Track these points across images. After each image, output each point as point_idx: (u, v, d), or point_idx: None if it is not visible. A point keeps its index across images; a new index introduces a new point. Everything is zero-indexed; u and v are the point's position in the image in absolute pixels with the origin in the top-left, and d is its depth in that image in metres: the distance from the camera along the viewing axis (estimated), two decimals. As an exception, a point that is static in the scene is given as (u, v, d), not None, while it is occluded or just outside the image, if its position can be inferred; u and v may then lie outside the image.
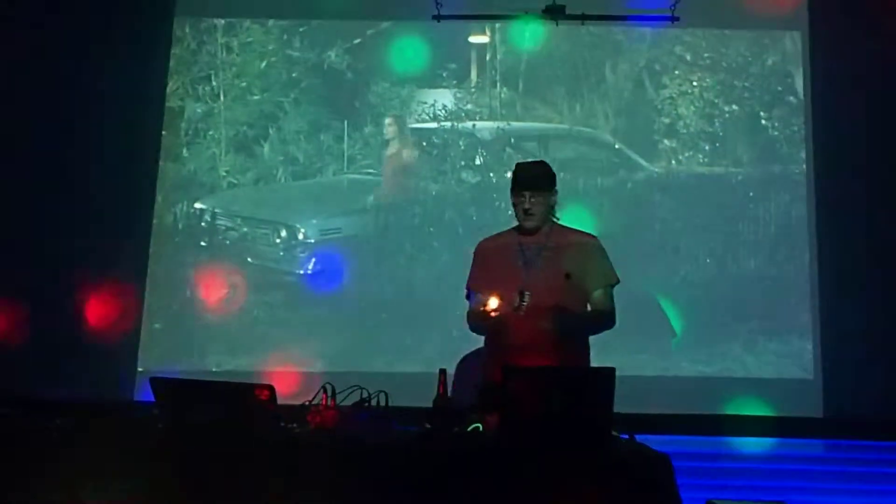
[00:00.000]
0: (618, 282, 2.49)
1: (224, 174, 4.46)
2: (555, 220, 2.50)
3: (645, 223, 4.24)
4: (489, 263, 2.50)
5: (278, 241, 4.36)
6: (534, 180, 2.41)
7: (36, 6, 4.16)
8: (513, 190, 2.44)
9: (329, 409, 1.94)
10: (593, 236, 2.52)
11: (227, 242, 4.41)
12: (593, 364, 2.49)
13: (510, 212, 2.53)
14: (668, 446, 1.92)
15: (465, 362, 2.64)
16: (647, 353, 4.03)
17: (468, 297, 2.57)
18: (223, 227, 4.41)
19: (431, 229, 4.32)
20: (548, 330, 2.35)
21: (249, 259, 4.38)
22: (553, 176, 2.46)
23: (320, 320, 4.27)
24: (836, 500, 3.21)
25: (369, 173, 4.45)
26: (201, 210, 4.44)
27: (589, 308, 2.49)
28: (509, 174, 2.53)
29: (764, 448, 3.38)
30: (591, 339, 2.53)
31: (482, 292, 2.49)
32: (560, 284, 2.39)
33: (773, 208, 4.26)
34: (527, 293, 2.33)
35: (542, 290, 2.34)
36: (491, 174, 4.34)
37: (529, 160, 2.56)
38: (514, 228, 2.52)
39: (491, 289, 2.42)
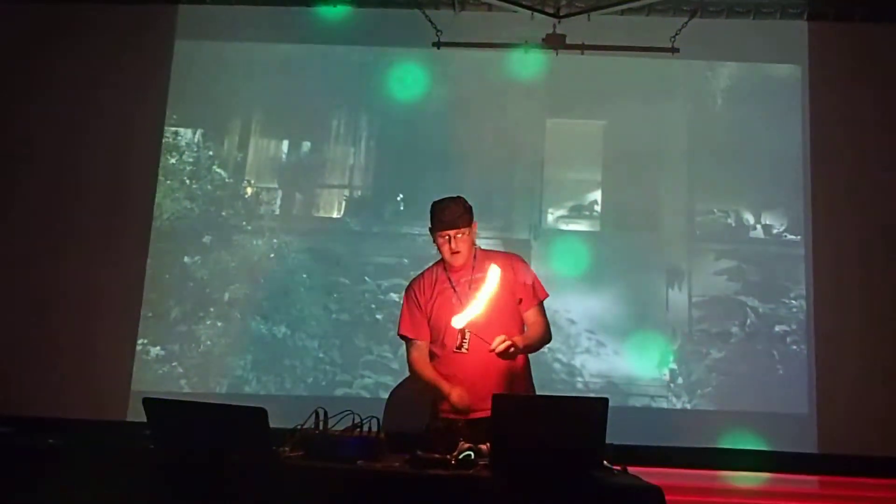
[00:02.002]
0: (546, 296, 2.69)
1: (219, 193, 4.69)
2: (476, 246, 2.69)
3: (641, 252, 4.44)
4: (424, 307, 2.68)
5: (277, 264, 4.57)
6: (456, 220, 2.60)
7: (38, 25, 4.49)
8: (434, 230, 2.63)
9: (321, 434, 2.08)
10: (517, 255, 2.73)
11: (223, 264, 4.59)
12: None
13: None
14: (661, 479, 2.05)
15: (403, 391, 2.80)
16: (641, 384, 4.18)
17: (405, 341, 2.73)
18: (220, 250, 4.60)
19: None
20: (494, 362, 2.54)
21: (246, 281, 4.56)
22: (471, 209, 2.66)
23: (314, 344, 4.44)
24: (829, 536, 3.38)
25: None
26: (198, 232, 4.63)
27: (525, 327, 2.68)
28: None
29: (758, 483, 3.54)
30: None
31: (420, 339, 2.68)
32: (496, 313, 2.57)
33: (770, 245, 4.46)
34: (468, 332, 2.54)
35: (482, 323, 2.52)
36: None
37: (446, 197, 2.67)
38: (438, 263, 2.72)
39: (430, 332, 2.64)
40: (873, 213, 4.14)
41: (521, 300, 2.65)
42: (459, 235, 2.60)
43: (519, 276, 2.66)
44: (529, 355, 2.72)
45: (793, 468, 3.72)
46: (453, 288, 2.63)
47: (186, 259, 4.65)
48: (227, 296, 4.57)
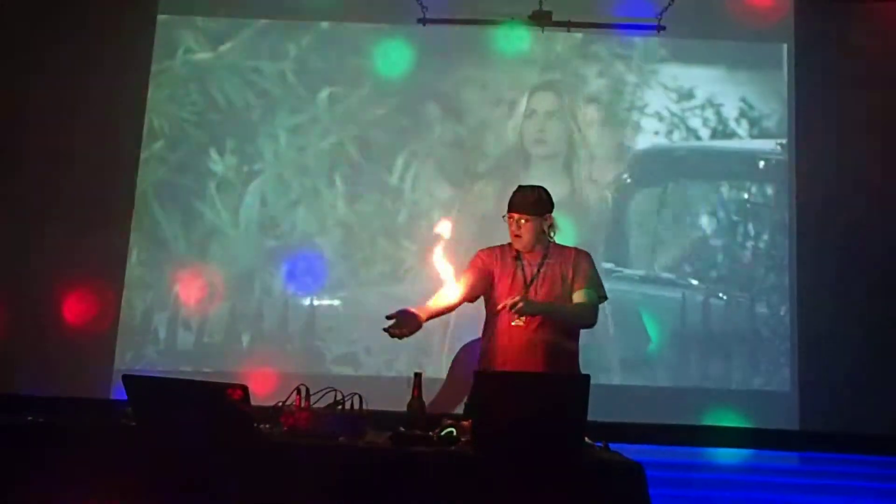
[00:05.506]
0: (603, 293, 3.07)
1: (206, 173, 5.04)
2: (550, 240, 3.09)
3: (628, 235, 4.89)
4: (483, 268, 3.05)
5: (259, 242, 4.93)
6: (523, 205, 3.02)
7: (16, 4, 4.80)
8: (507, 211, 3.05)
9: (302, 411, 2.34)
10: (586, 252, 3.12)
11: (207, 242, 4.96)
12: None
13: None
14: (642, 456, 2.33)
15: (459, 361, 3.19)
16: (624, 362, 4.63)
17: None
18: (203, 227, 4.95)
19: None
20: (543, 337, 2.95)
21: (228, 260, 4.93)
22: (546, 202, 3.06)
23: (297, 322, 4.83)
24: (810, 512, 3.77)
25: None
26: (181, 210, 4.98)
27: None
28: None
29: (739, 459, 3.98)
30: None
31: (462, 278, 3.02)
32: (558, 297, 2.98)
33: (752, 226, 4.91)
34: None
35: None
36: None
37: (528, 185, 3.13)
38: (510, 244, 3.12)
39: (470, 293, 3.02)
40: (857, 186, 4.61)
41: (572, 282, 3.02)
42: (523, 221, 3.00)
43: (581, 263, 3.05)
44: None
45: (774, 445, 4.13)
46: (522, 267, 3.02)
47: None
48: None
